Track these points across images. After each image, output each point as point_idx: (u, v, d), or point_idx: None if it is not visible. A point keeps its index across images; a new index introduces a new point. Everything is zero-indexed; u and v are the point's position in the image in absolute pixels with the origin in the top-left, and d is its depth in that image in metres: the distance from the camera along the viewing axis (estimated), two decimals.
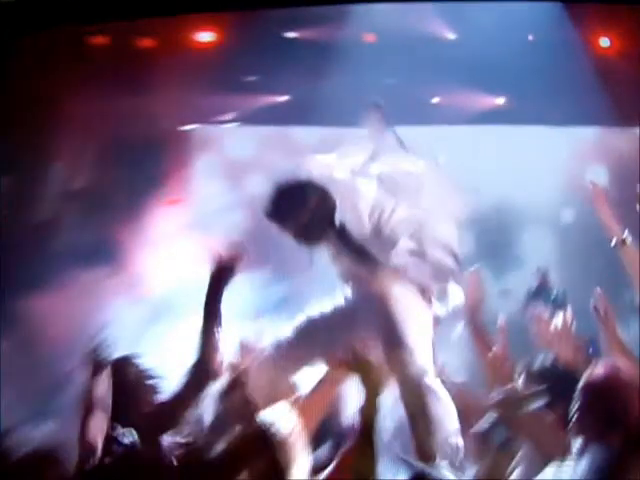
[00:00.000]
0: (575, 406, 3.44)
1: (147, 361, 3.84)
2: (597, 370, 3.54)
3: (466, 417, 3.94)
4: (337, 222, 4.00)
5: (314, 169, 4.08)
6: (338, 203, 4.01)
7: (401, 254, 3.96)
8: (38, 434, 3.44)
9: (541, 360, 4.07)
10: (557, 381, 3.92)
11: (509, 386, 4.00)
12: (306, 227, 4.01)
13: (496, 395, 3.94)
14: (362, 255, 3.99)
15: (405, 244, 3.98)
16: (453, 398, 3.94)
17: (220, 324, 3.78)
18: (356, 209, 4.01)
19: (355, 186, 4.05)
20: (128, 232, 5.82)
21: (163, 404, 3.77)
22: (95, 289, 5.42)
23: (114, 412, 3.61)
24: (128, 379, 3.83)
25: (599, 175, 6.12)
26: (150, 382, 3.87)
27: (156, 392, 3.85)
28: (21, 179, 5.88)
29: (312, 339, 4.01)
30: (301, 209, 4.01)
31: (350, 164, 4.15)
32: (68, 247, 5.76)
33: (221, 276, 3.82)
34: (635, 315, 4.55)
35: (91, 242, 5.81)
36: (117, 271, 5.67)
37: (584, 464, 3.22)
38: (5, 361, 4.97)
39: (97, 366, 3.66)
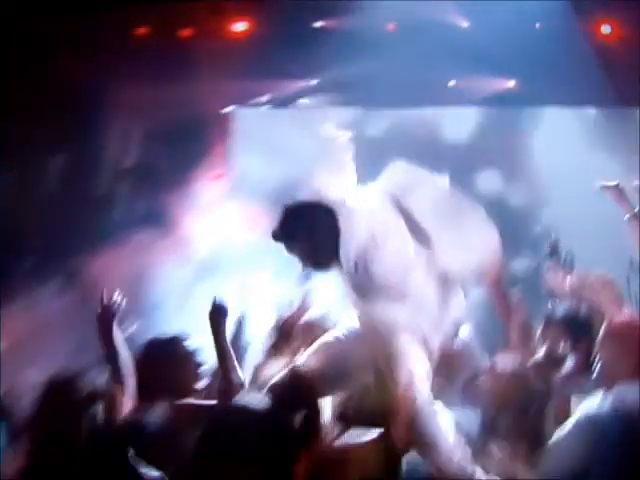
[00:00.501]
0: (597, 355, 3.56)
1: (194, 343, 3.91)
2: (615, 319, 3.64)
3: (501, 394, 3.92)
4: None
5: (321, 186, 3.75)
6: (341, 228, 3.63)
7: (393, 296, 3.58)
8: (103, 378, 3.67)
9: (561, 310, 4.25)
10: (577, 329, 4.11)
11: (543, 350, 4.08)
12: (313, 251, 3.68)
13: (533, 360, 4.03)
14: (359, 286, 3.66)
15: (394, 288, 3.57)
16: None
17: (232, 359, 3.74)
18: (350, 237, 3.62)
19: (353, 211, 3.68)
20: (176, 200, 6.05)
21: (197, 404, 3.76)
22: (147, 250, 5.70)
23: (154, 389, 3.72)
24: (173, 359, 3.88)
25: (600, 152, 6.42)
26: (194, 366, 3.91)
27: (198, 378, 3.91)
28: (77, 157, 6.28)
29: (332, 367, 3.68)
30: (306, 231, 3.67)
31: (348, 179, 3.83)
32: (123, 215, 6.15)
33: (219, 319, 3.80)
34: (636, 274, 4.89)
35: (143, 209, 6.16)
36: (166, 234, 5.88)
37: (610, 401, 3.34)
38: (67, 313, 5.41)
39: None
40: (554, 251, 5.24)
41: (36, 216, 5.86)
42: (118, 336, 3.92)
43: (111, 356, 3.86)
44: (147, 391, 3.76)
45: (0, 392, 4.14)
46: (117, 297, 3.96)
